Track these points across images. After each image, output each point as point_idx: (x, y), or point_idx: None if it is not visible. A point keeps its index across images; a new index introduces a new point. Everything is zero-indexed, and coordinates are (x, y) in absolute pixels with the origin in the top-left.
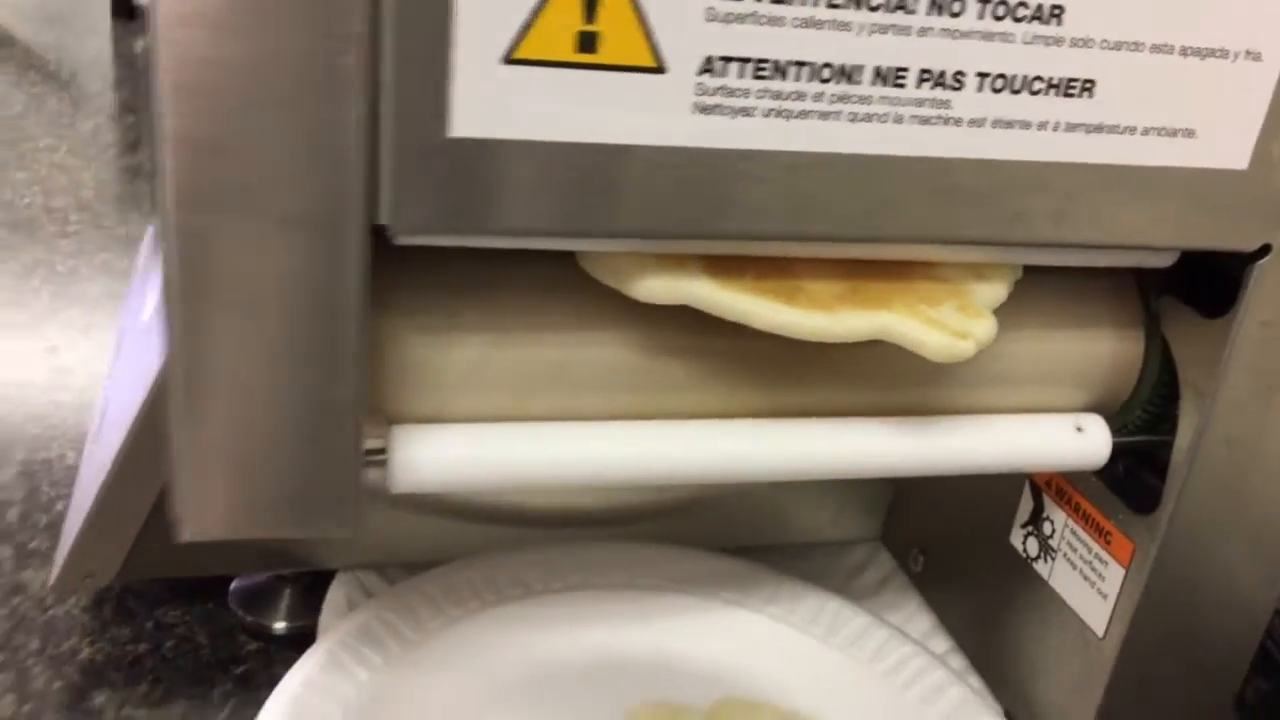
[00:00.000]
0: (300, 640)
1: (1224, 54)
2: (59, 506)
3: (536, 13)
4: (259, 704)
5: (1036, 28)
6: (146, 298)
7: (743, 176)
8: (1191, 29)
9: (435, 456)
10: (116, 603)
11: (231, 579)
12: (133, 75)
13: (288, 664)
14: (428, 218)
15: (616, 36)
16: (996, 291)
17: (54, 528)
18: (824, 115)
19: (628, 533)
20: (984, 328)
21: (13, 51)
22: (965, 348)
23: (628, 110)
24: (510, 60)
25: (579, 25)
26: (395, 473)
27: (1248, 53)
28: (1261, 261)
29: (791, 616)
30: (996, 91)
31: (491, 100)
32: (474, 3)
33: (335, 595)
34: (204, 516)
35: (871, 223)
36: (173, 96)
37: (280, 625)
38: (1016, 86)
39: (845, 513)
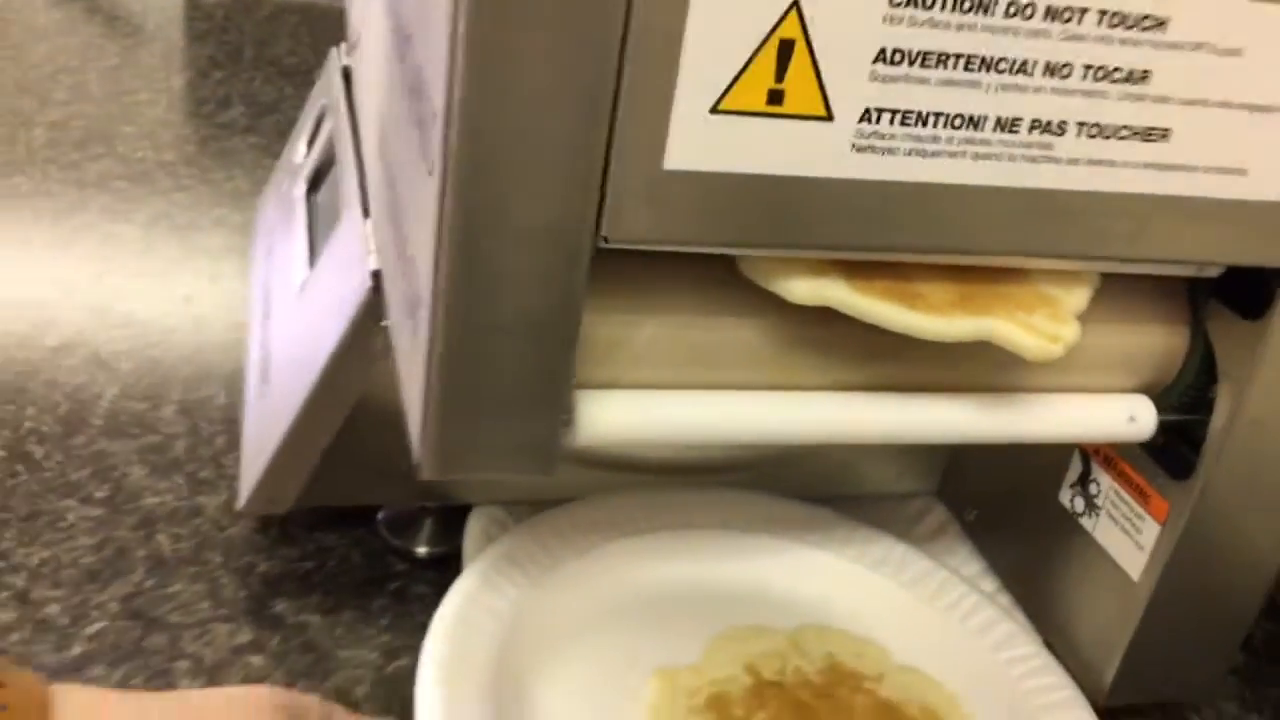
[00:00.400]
0: (439, 563)
1: (1273, 109)
2: (219, 441)
3: (740, 75)
4: (411, 615)
5: (1127, 88)
6: (293, 259)
7: (887, 201)
8: (1249, 89)
9: (612, 417)
10: (279, 527)
11: (378, 509)
12: (210, 30)
13: (431, 583)
14: (639, 230)
15: (798, 93)
16: (1080, 299)
17: (217, 460)
18: (953, 154)
19: (721, 480)
20: (1071, 331)
21: (99, 2)
22: (1056, 350)
23: (802, 149)
24: (715, 111)
25: (771, 84)
26: (580, 429)
27: None
28: None
29: (864, 557)
30: (1091, 138)
31: (699, 141)
32: (692, 67)
33: (474, 526)
34: (444, 460)
35: (986, 238)
36: (463, 129)
37: (422, 550)
38: (1108, 134)
39: (908, 470)
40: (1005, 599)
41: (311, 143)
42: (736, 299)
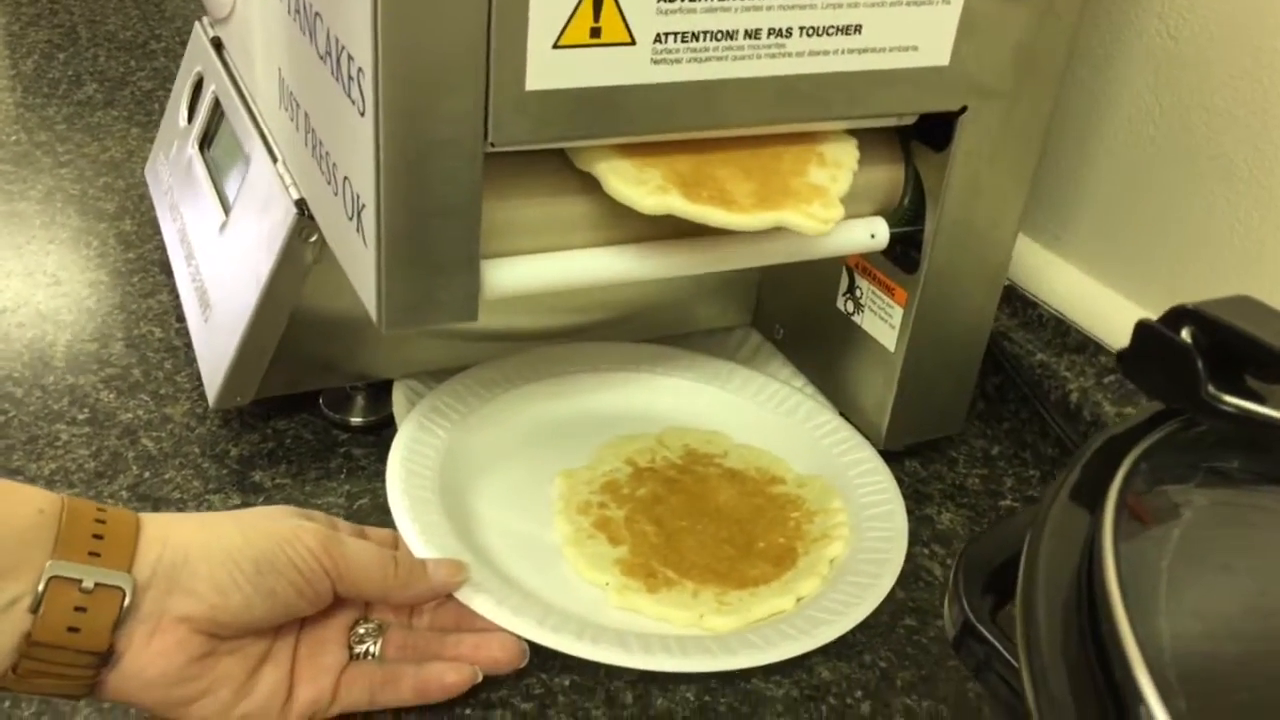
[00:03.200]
0: (372, 430)
1: (931, 2)
2: (167, 365)
3: (570, 20)
4: (361, 469)
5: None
6: (204, 209)
7: (678, 95)
8: None
9: (508, 277)
10: (240, 420)
11: (318, 393)
12: (39, 14)
13: (369, 445)
14: (514, 135)
15: (610, 27)
16: (843, 186)
17: (171, 379)
18: (719, 58)
19: (585, 336)
20: (837, 213)
21: None
22: (827, 229)
23: (617, 67)
24: (556, 46)
25: (591, 24)
26: (487, 288)
27: (943, 0)
28: (962, 116)
29: (702, 376)
30: (809, 36)
31: (548, 67)
32: (537, 18)
33: (398, 394)
34: (397, 317)
35: (747, 114)
36: (387, 80)
37: (357, 420)
38: (820, 32)
39: (728, 306)
40: (810, 388)
41: (192, 108)
42: (580, 184)
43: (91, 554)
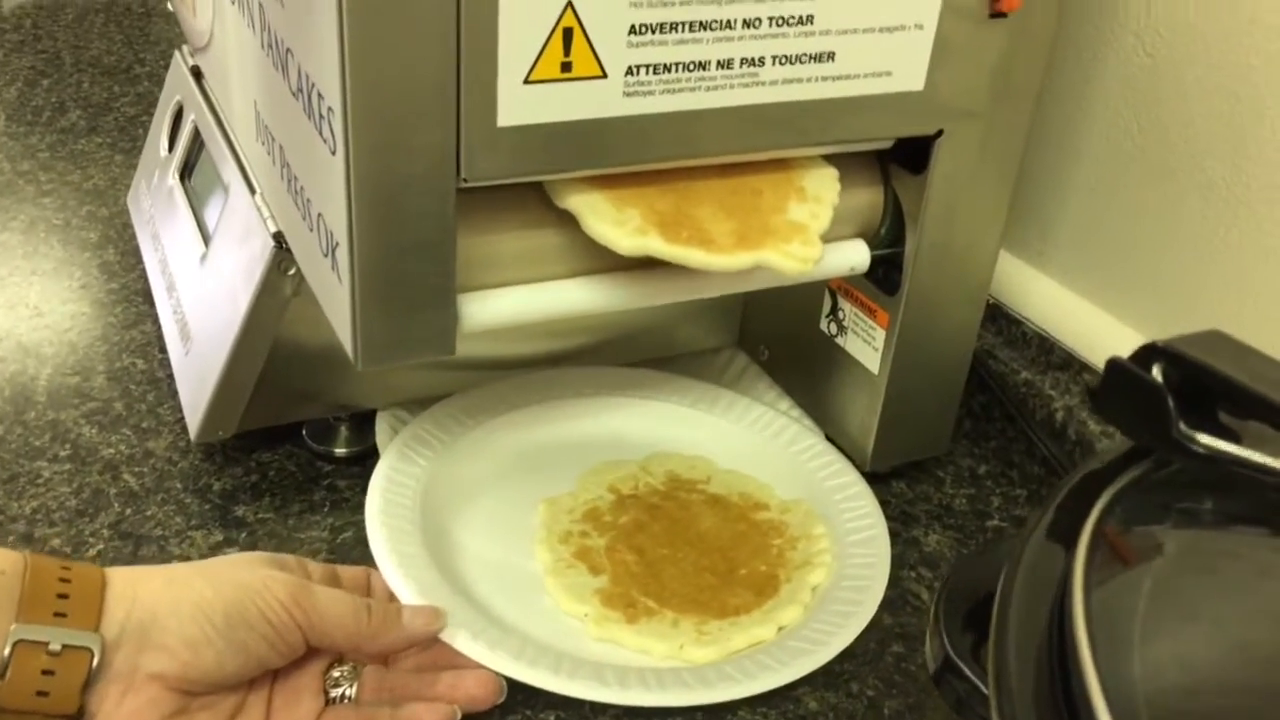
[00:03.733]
0: (357, 460)
1: (904, 28)
2: (149, 398)
3: (540, 56)
4: (345, 500)
5: (800, 28)
6: (184, 239)
7: (650, 127)
8: (885, 17)
9: (486, 310)
10: (222, 454)
11: (301, 425)
12: (23, 40)
13: (354, 476)
14: (487, 171)
15: (580, 61)
16: (824, 222)
17: (153, 412)
18: (692, 89)
19: (567, 362)
20: (818, 251)
21: None
22: (808, 269)
23: (589, 100)
24: (527, 81)
25: (562, 59)
26: (464, 322)
27: (916, 25)
28: (939, 140)
29: (686, 400)
30: (782, 65)
31: (519, 103)
32: (507, 55)
33: (382, 424)
34: (373, 354)
35: (721, 144)
36: (356, 119)
37: (341, 451)
38: (792, 60)
39: (712, 329)
40: (796, 410)
41: (173, 137)
42: (557, 216)
43: (57, 615)
